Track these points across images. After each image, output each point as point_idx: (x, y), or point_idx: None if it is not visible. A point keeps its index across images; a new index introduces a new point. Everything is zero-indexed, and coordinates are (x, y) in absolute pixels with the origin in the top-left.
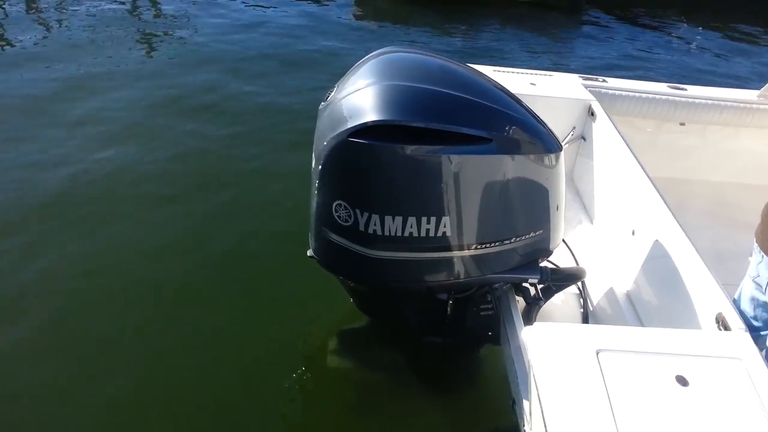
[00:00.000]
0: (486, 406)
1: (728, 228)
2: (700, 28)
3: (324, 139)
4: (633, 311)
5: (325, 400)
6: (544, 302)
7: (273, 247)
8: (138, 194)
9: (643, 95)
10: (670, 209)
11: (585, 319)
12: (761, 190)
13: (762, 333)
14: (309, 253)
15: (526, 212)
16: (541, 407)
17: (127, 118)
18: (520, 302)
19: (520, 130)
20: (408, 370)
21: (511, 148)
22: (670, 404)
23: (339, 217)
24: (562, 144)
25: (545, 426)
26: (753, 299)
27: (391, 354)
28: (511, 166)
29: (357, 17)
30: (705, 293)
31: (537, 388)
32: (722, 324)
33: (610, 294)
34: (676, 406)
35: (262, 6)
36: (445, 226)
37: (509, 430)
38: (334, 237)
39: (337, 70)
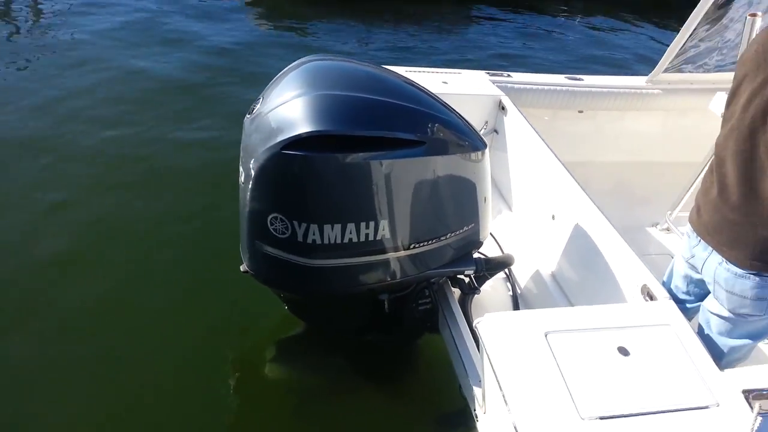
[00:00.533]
0: (431, 395)
1: (629, 204)
2: (580, 16)
3: (254, 152)
4: (560, 291)
5: (266, 408)
6: (479, 291)
7: (205, 257)
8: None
9: (545, 87)
10: (585, 192)
11: (515, 303)
12: (654, 166)
13: (692, 305)
14: (242, 268)
15: (458, 208)
16: (501, 389)
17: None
18: (456, 292)
19: (447, 130)
20: (350, 370)
21: (441, 148)
22: (616, 373)
23: (275, 229)
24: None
25: (507, 404)
26: (686, 276)
27: (331, 356)
28: (441, 166)
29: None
30: (628, 267)
31: (495, 372)
32: (648, 294)
33: (537, 277)
34: (621, 374)
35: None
36: (383, 229)
37: (457, 412)
38: (271, 250)
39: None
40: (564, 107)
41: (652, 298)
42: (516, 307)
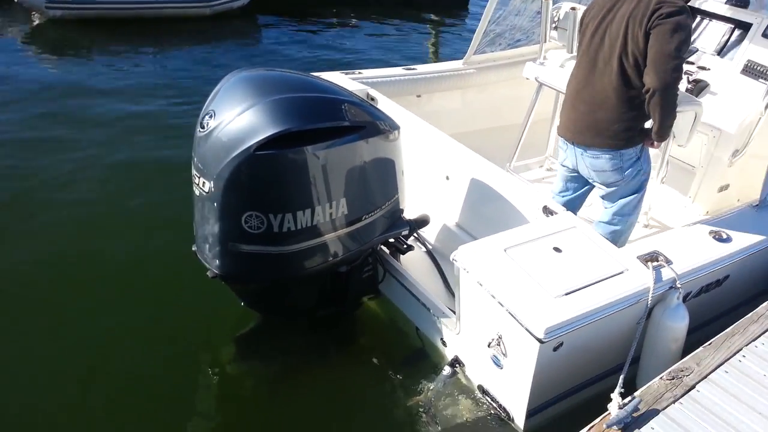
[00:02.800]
0: (390, 347)
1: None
2: (354, 19)
3: (221, 161)
4: (468, 235)
5: (232, 400)
6: (413, 247)
7: (162, 262)
8: None
9: (392, 78)
10: (472, 151)
11: (432, 257)
12: (483, 132)
13: (577, 194)
14: (210, 274)
15: (386, 181)
16: (494, 297)
17: None
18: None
19: (371, 116)
20: (308, 350)
21: (373, 131)
22: (560, 265)
23: (250, 227)
24: None
25: (502, 304)
26: (567, 178)
27: (290, 341)
28: (374, 147)
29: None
30: (526, 197)
31: (480, 284)
32: (549, 212)
33: (445, 230)
34: (563, 264)
35: None
36: (343, 206)
37: (417, 351)
38: (247, 248)
39: None
40: (406, 93)
41: (553, 213)
42: (433, 259)
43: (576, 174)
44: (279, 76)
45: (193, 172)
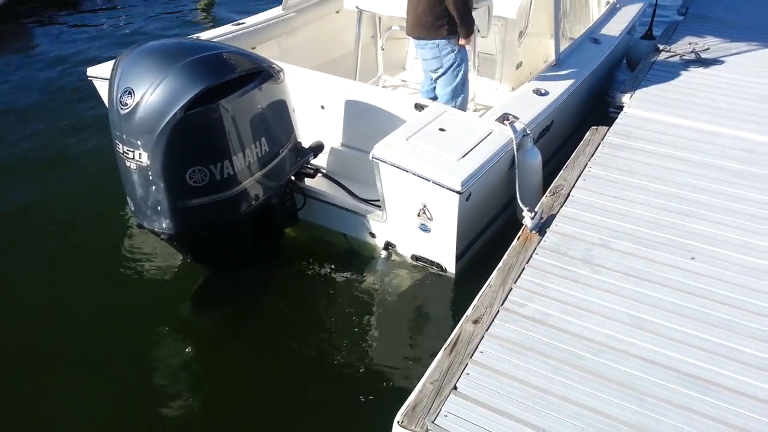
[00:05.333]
0: (322, 259)
1: None
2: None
3: (155, 129)
4: (355, 150)
5: (197, 348)
6: (323, 169)
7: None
8: None
9: (229, 35)
10: (340, 77)
11: (329, 177)
12: (320, 66)
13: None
14: (165, 236)
15: (285, 119)
16: (414, 174)
17: None
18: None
19: (262, 63)
20: (253, 289)
21: (270, 73)
22: (449, 139)
23: (195, 181)
24: None
25: (422, 176)
26: (425, 72)
27: (232, 287)
28: (274, 88)
29: None
30: (397, 101)
31: (401, 168)
32: (420, 107)
33: (334, 152)
34: (450, 139)
35: None
36: (264, 145)
37: (349, 252)
38: (196, 201)
39: None
40: (245, 46)
41: (424, 107)
42: (331, 179)
43: (427, 68)
44: (173, 44)
45: (123, 149)
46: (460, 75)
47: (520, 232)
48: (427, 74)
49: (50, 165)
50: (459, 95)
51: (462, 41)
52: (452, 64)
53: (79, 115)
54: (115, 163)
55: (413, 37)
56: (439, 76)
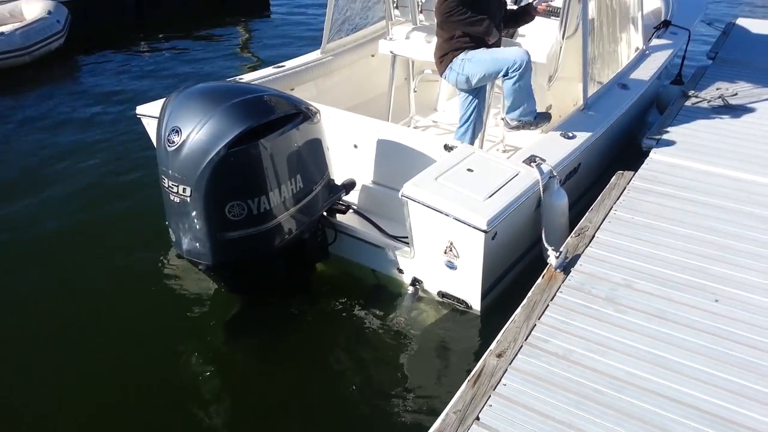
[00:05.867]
0: (351, 294)
1: None
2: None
3: (199, 165)
4: (385, 188)
5: (229, 376)
6: (354, 205)
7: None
8: None
9: (268, 77)
10: (372, 118)
11: (361, 214)
12: (353, 108)
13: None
14: (203, 267)
15: (319, 157)
16: (441, 212)
17: None
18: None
19: (300, 106)
20: (284, 320)
21: (307, 115)
22: (478, 179)
23: (233, 215)
24: None
25: (449, 215)
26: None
27: (263, 318)
28: (310, 129)
29: None
30: (427, 142)
31: (428, 206)
32: (449, 148)
33: (364, 190)
34: (480, 178)
35: None
36: (299, 182)
37: (377, 288)
38: (233, 234)
39: None
40: (283, 88)
41: (452, 148)
42: (362, 216)
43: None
44: (218, 86)
45: (169, 183)
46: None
47: (545, 271)
48: (461, 100)
49: (97, 194)
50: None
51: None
52: (456, 82)
53: (127, 149)
54: (159, 196)
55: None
56: (472, 87)
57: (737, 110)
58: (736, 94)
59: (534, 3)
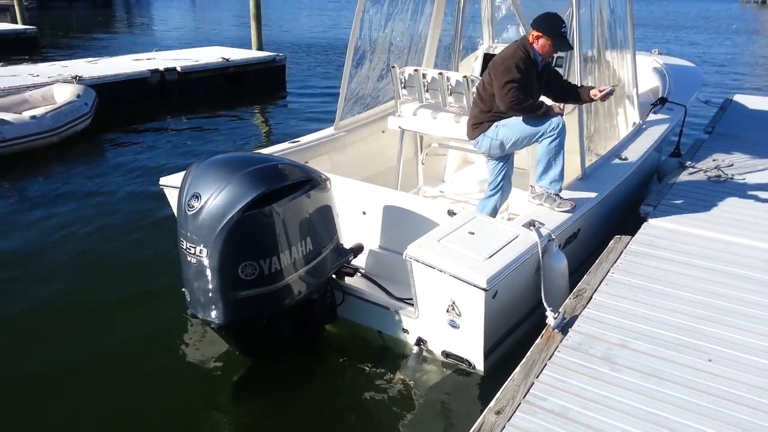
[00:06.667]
0: (358, 355)
1: None
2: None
3: (215, 228)
4: (391, 252)
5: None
6: (361, 268)
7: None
8: None
9: (285, 151)
10: (381, 187)
11: (368, 277)
12: (366, 179)
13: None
14: (215, 326)
15: (329, 221)
16: (444, 272)
17: None
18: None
19: (310, 171)
20: (292, 381)
21: (318, 181)
22: (477, 241)
23: (246, 275)
24: None
25: (451, 275)
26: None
27: (272, 378)
28: (320, 195)
29: None
30: (432, 209)
31: (432, 267)
32: (452, 213)
33: (372, 254)
34: (479, 240)
35: None
36: (309, 244)
37: (383, 349)
38: (245, 293)
39: None
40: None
41: (455, 213)
42: (369, 279)
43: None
44: (237, 156)
45: (187, 245)
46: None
47: (544, 331)
48: (492, 167)
49: (118, 260)
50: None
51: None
52: (489, 147)
53: (147, 222)
54: (177, 260)
55: (470, 138)
56: (504, 152)
57: (732, 180)
58: (731, 165)
59: (594, 93)
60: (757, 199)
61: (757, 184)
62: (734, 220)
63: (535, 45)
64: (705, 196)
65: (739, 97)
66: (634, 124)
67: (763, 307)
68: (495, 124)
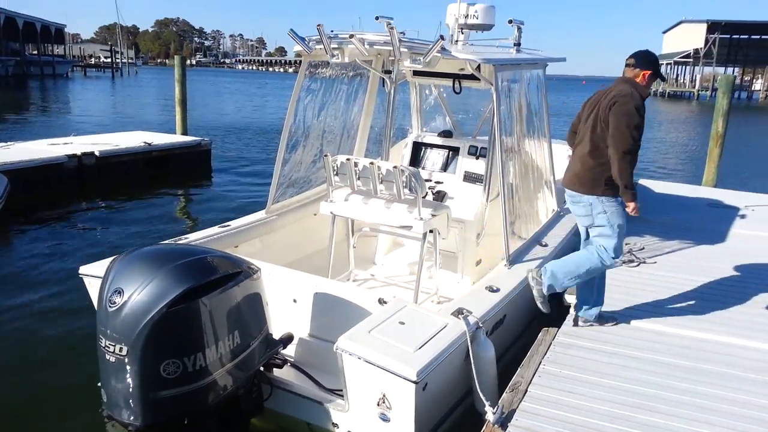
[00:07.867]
0: None
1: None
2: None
3: (137, 325)
4: (321, 340)
5: None
6: (291, 358)
7: None
8: None
9: (213, 237)
10: (312, 275)
11: (296, 367)
12: (295, 263)
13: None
14: (133, 429)
15: (258, 312)
16: (374, 365)
17: None
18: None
19: (241, 264)
20: None
21: (249, 272)
22: (408, 332)
23: (168, 373)
24: None
25: (381, 367)
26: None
27: None
28: (250, 284)
29: None
30: (361, 296)
31: (363, 359)
32: (383, 302)
33: (302, 343)
34: (410, 332)
35: None
36: (236, 337)
37: None
38: (166, 393)
39: None
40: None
41: (386, 302)
42: (298, 369)
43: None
44: (164, 249)
45: (106, 343)
46: (616, 233)
47: (484, 427)
48: (582, 227)
49: (29, 357)
50: (617, 252)
51: (628, 208)
52: (604, 224)
53: (60, 312)
54: (94, 357)
55: (567, 189)
56: (593, 230)
57: (645, 264)
58: (643, 248)
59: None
60: (671, 282)
61: (668, 266)
62: (652, 305)
63: (643, 83)
64: (622, 282)
65: (644, 182)
66: (553, 210)
67: (688, 392)
68: (611, 199)
